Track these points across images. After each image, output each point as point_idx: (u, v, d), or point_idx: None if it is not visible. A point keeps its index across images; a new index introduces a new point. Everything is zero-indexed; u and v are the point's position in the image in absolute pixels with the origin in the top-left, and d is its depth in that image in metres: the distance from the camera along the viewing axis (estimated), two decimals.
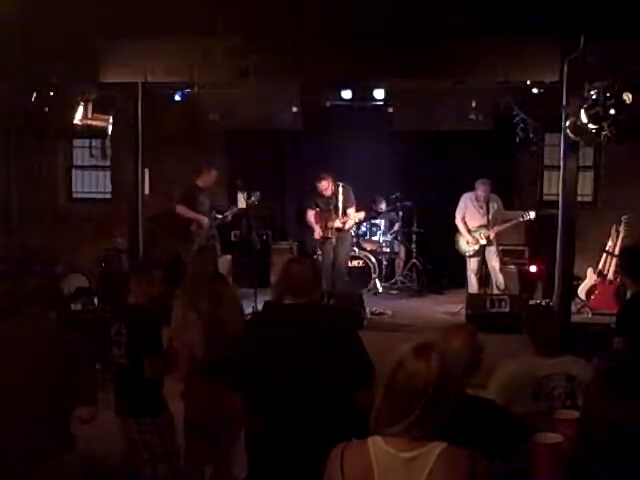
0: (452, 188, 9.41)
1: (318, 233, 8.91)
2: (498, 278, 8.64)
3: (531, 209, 8.69)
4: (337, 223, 8.80)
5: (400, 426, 2.09)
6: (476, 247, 8.63)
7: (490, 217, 8.57)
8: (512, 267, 9.20)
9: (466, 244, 8.70)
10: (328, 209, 8.83)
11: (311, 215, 9.01)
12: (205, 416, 4.41)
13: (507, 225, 8.66)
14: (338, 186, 8.76)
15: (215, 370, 3.99)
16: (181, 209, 8.72)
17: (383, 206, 10.17)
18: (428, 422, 2.09)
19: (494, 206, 8.66)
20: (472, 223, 8.68)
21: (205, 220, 8.68)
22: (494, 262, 8.68)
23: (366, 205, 10.11)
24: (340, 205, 8.77)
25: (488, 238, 8.56)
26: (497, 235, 8.64)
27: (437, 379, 2.11)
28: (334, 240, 8.82)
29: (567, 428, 2.89)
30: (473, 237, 8.63)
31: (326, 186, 8.76)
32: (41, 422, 3.16)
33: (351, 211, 8.90)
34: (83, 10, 6.32)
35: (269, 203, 10.43)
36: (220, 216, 8.93)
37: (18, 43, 6.60)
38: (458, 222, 8.73)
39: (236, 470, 4.48)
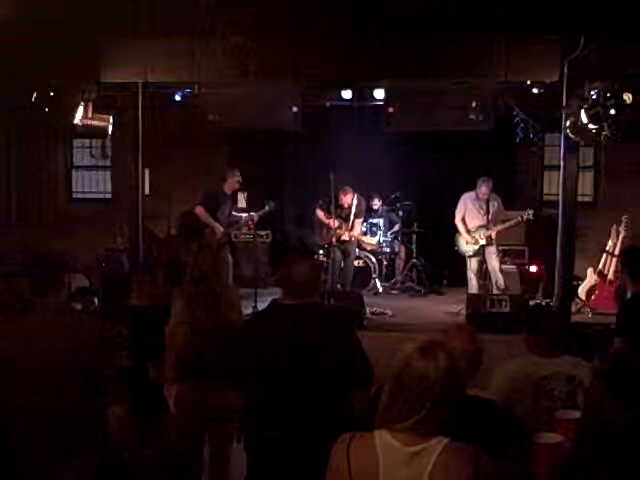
0: (452, 188, 9.41)
1: (333, 226, 8.96)
2: (498, 278, 8.62)
3: (530, 208, 8.66)
4: (345, 236, 9.06)
5: (408, 423, 2.13)
6: (475, 247, 8.63)
7: (490, 217, 8.57)
8: (512, 267, 9.19)
9: (465, 244, 8.69)
10: (341, 217, 9.02)
11: (321, 214, 9.10)
12: (196, 420, 4.38)
13: (506, 225, 8.61)
14: (354, 197, 9.03)
15: (213, 370, 3.98)
16: (200, 211, 8.53)
17: (376, 202, 10.22)
18: (435, 419, 2.14)
19: (494, 205, 8.65)
20: (472, 223, 8.68)
21: (219, 229, 8.52)
22: (494, 262, 8.66)
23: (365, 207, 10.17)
24: (352, 217, 9.06)
25: (488, 238, 8.55)
26: (497, 235, 8.63)
27: (445, 378, 2.15)
28: (341, 246, 9.01)
29: (567, 428, 2.89)
30: (472, 237, 8.62)
31: (348, 200, 9.01)
32: (69, 421, 3.09)
33: (358, 222, 9.19)
34: (83, 10, 6.32)
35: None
36: (235, 215, 8.90)
37: (18, 43, 6.60)
38: (457, 222, 8.73)
39: (235, 470, 4.47)
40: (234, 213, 8.93)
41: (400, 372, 2.18)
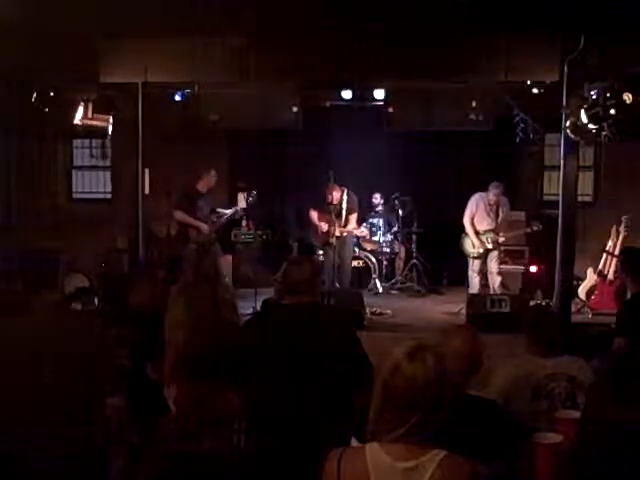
0: (452, 188, 9.43)
1: (323, 229, 9.02)
2: (495, 281, 8.64)
3: (536, 220, 8.82)
4: (337, 232, 9.01)
5: (400, 431, 2.07)
6: (481, 250, 8.66)
7: (499, 221, 8.60)
8: (512, 267, 9.20)
9: (471, 246, 8.70)
10: (332, 214, 9.00)
11: (315, 215, 9.10)
12: (196, 420, 4.37)
13: (515, 233, 8.80)
14: (343, 192, 8.97)
15: (213, 370, 3.98)
16: (179, 215, 8.55)
17: (377, 196, 10.24)
18: (428, 425, 2.08)
19: (503, 210, 8.70)
20: (481, 226, 8.67)
21: (204, 227, 8.50)
22: (493, 265, 8.69)
23: (366, 205, 10.18)
24: (344, 213, 9.01)
25: (495, 243, 8.59)
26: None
27: (435, 381, 2.09)
28: (336, 244, 8.97)
29: (567, 428, 2.89)
30: (480, 241, 8.63)
31: (336, 197, 8.98)
32: (69, 422, 3.08)
33: (353, 217, 9.14)
34: (83, 10, 6.31)
35: (269, 203, 10.47)
36: (220, 211, 8.88)
37: (18, 43, 6.60)
38: (466, 222, 8.69)
39: None
40: (219, 210, 8.91)
41: (389, 378, 2.11)
